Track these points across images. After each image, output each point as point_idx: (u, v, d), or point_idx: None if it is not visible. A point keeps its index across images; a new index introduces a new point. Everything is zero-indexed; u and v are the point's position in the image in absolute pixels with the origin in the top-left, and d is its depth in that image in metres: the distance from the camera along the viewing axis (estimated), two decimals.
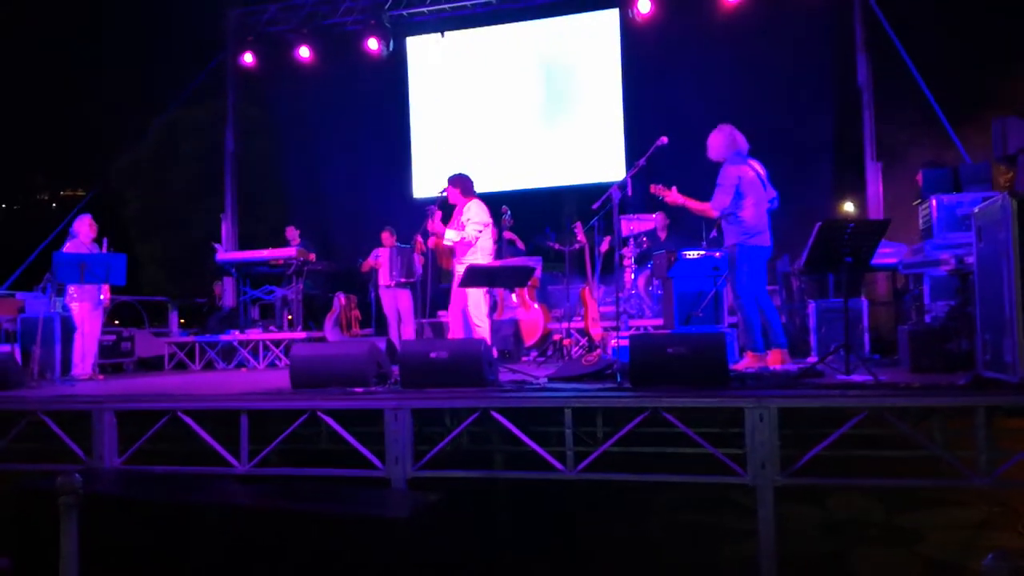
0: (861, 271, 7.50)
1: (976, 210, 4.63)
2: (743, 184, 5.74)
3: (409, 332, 9.31)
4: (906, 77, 8.96)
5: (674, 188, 5.96)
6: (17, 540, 4.44)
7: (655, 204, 9.73)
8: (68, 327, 7.69)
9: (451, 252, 7.04)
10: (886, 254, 7.23)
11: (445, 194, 7.10)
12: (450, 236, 6.90)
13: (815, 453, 4.23)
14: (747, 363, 5.81)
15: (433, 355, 5.06)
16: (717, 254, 7.26)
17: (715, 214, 5.82)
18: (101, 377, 7.85)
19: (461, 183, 7.09)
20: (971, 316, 4.95)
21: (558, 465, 4.56)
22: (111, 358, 9.13)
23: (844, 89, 9.89)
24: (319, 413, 4.93)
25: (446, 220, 7.20)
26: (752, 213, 5.76)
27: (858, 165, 9.71)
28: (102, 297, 7.80)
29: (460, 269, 6.71)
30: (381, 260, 9.62)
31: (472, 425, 4.79)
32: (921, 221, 7.06)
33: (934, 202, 6.66)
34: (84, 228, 7.80)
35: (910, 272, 7.06)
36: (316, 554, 3.95)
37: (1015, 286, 3.96)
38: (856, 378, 4.77)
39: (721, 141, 5.92)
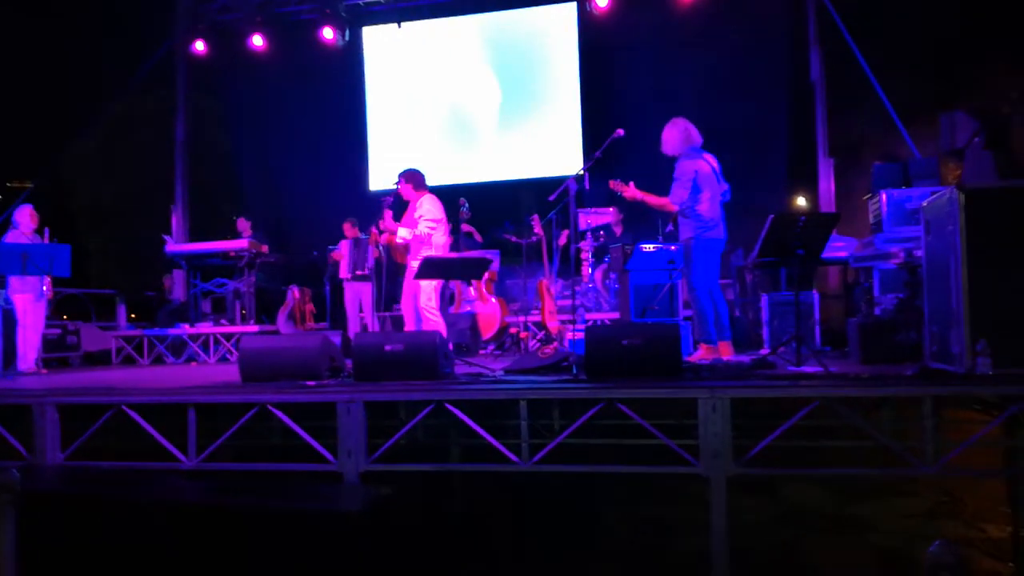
0: (813, 264, 7.60)
1: (924, 204, 4.71)
2: (699, 178, 5.76)
3: (372, 325, 9.20)
4: (858, 73, 9.09)
5: (632, 183, 5.96)
6: None
7: (612, 198, 9.77)
8: (10, 320, 7.45)
9: (406, 248, 6.97)
10: (837, 248, 7.33)
11: (398, 187, 7.03)
12: (402, 234, 6.83)
13: (767, 443, 4.26)
14: (701, 355, 5.85)
15: (388, 347, 5.00)
16: (673, 247, 7.30)
17: (674, 208, 5.83)
18: (44, 371, 7.63)
19: (412, 178, 6.97)
20: (919, 308, 5.04)
21: (513, 457, 4.54)
22: (56, 352, 8.90)
23: (798, 84, 10.01)
24: (269, 407, 4.84)
25: (400, 214, 7.12)
26: (708, 207, 5.79)
27: (811, 160, 9.84)
28: (44, 289, 7.55)
29: (415, 265, 6.64)
30: (342, 252, 9.50)
31: (428, 418, 4.73)
32: (871, 215, 7.18)
33: (884, 196, 6.77)
34: (25, 218, 7.57)
35: (860, 265, 7.18)
36: (266, 550, 3.87)
37: (962, 279, 4.03)
38: (807, 369, 4.82)
39: (675, 135, 5.93)
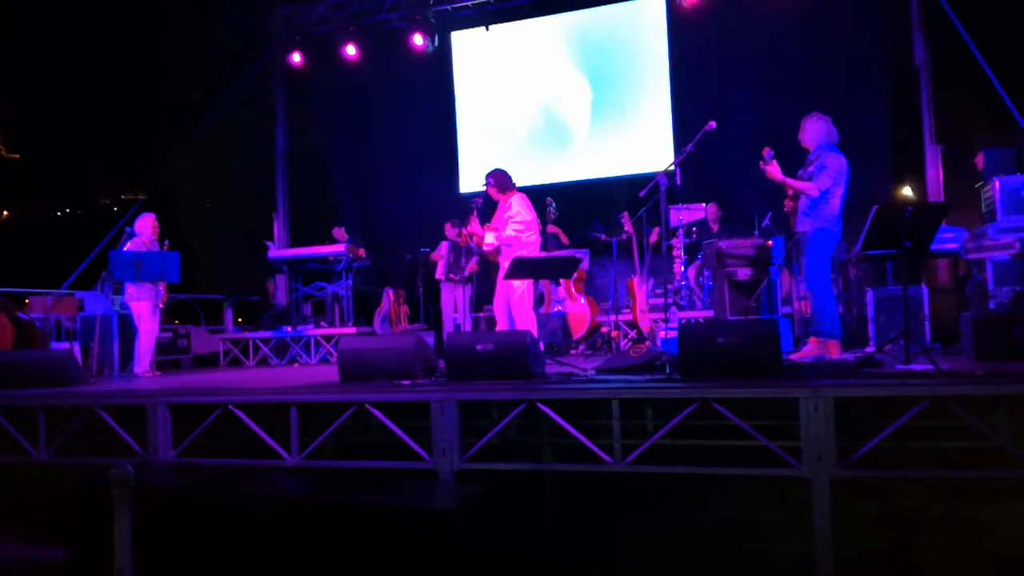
0: (921, 257, 7.26)
1: None
2: (841, 173, 5.75)
3: (466, 326, 9.30)
4: (965, 56, 8.63)
5: (774, 162, 5.87)
6: (73, 532, 4.55)
7: (706, 194, 9.59)
8: (126, 325, 7.85)
9: (497, 250, 6.98)
10: (947, 239, 6.99)
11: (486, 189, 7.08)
12: (488, 239, 6.81)
13: (873, 444, 4.09)
14: (811, 350, 5.68)
15: (479, 347, 5.04)
16: (770, 243, 7.10)
17: (815, 194, 5.75)
18: (157, 373, 8.00)
19: (499, 179, 6.97)
20: None
21: (606, 458, 4.50)
22: (168, 355, 9.33)
23: (900, 69, 9.57)
24: (367, 406, 4.94)
25: (490, 215, 7.16)
26: (838, 203, 5.77)
27: (917, 148, 9.40)
28: (160, 300, 7.85)
29: (506, 265, 6.66)
30: (441, 253, 9.63)
31: (519, 418, 4.74)
32: (983, 204, 6.82)
33: (996, 184, 6.42)
34: (147, 228, 7.87)
35: (972, 257, 6.82)
36: (364, 545, 3.95)
37: None
38: (916, 367, 4.61)
39: (821, 128, 5.91)
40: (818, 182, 5.73)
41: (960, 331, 5.75)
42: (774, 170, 5.84)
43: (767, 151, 5.85)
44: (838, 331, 5.81)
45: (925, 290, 6.85)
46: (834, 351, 5.71)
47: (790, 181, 5.85)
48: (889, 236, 4.86)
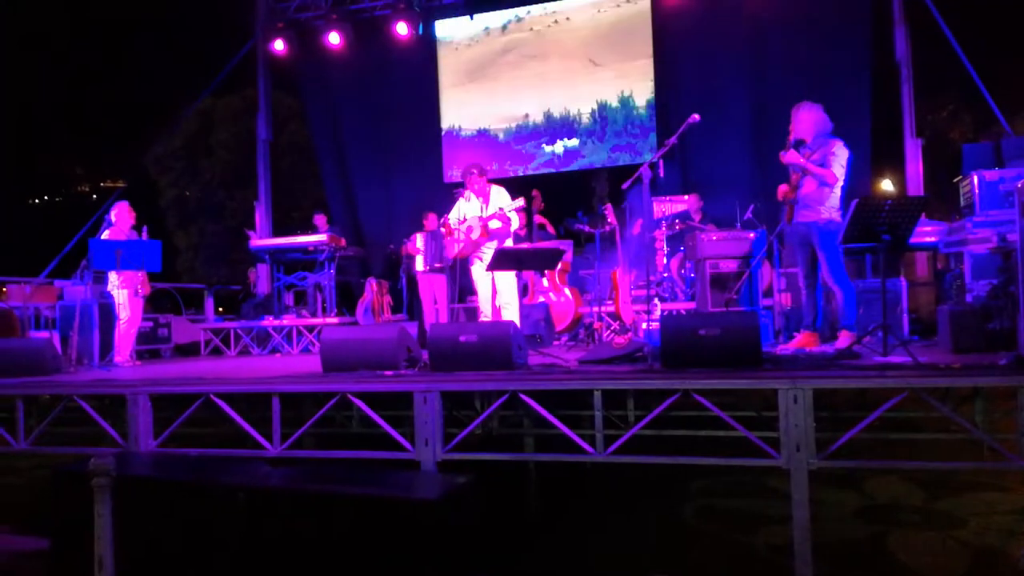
0: (900, 251, 7.32)
1: (1019, 185, 4.48)
2: (848, 163, 5.62)
3: (444, 318, 9.30)
4: (946, 50, 8.70)
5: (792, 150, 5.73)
6: (54, 522, 4.52)
7: (688, 185, 9.63)
8: (106, 314, 7.77)
9: (476, 244, 7.03)
10: (926, 233, 7.06)
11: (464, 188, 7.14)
12: (494, 225, 6.89)
13: (851, 435, 4.14)
14: (843, 342, 5.62)
15: (463, 338, 5.04)
16: (751, 235, 7.15)
17: (833, 182, 5.58)
18: (138, 363, 7.94)
19: (476, 174, 7.06)
20: (1014, 295, 4.81)
21: (588, 448, 4.52)
22: (148, 344, 9.25)
23: (882, 64, 9.64)
24: (350, 396, 4.94)
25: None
26: (841, 194, 5.62)
27: (897, 142, 9.47)
28: (139, 288, 7.78)
29: (488, 255, 6.68)
30: (419, 246, 9.61)
31: (503, 409, 4.76)
32: (962, 198, 6.89)
33: (975, 178, 6.49)
34: (123, 215, 7.82)
35: (950, 251, 6.90)
36: (346, 535, 3.96)
37: None
38: (894, 359, 4.65)
39: (818, 118, 5.74)
40: (836, 171, 5.55)
41: (938, 324, 5.81)
42: (792, 157, 5.69)
43: (792, 138, 5.74)
44: (818, 325, 5.81)
45: (904, 283, 6.92)
46: (811, 343, 5.72)
47: (812, 168, 5.63)
48: (869, 229, 4.90)
